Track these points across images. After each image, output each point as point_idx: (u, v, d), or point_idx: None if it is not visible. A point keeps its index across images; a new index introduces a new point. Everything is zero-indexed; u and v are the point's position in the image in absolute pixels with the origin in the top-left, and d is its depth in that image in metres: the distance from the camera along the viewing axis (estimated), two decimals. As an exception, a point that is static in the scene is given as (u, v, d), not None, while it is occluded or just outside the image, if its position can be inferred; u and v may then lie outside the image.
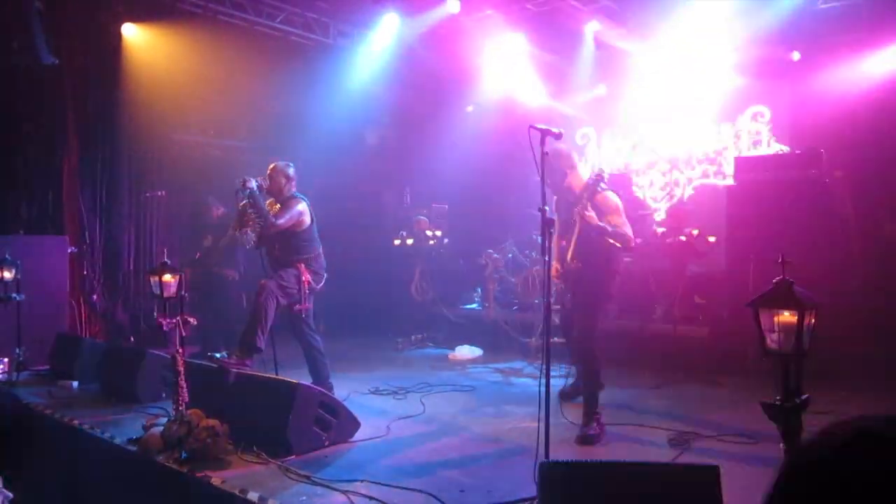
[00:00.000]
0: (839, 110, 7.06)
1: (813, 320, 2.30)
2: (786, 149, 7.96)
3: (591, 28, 8.39)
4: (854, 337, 5.84)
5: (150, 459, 4.07)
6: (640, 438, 4.64)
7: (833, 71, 7.27)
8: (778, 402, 2.26)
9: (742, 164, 7.24)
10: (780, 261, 2.37)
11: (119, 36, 7.60)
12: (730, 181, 7.83)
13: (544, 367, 3.59)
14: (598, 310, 4.97)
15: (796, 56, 7.72)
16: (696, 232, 7.06)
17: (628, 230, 4.74)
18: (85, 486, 4.60)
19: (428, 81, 9.88)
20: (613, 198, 4.80)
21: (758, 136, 8.49)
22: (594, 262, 4.72)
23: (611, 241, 4.66)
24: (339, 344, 7.72)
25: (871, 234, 6.97)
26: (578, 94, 9.44)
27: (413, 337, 8.56)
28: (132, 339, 7.66)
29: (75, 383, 5.98)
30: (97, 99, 7.58)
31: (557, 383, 5.21)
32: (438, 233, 8.94)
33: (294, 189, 5.66)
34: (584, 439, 4.46)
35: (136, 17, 7.62)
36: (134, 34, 7.70)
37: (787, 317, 2.28)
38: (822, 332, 2.41)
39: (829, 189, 6.70)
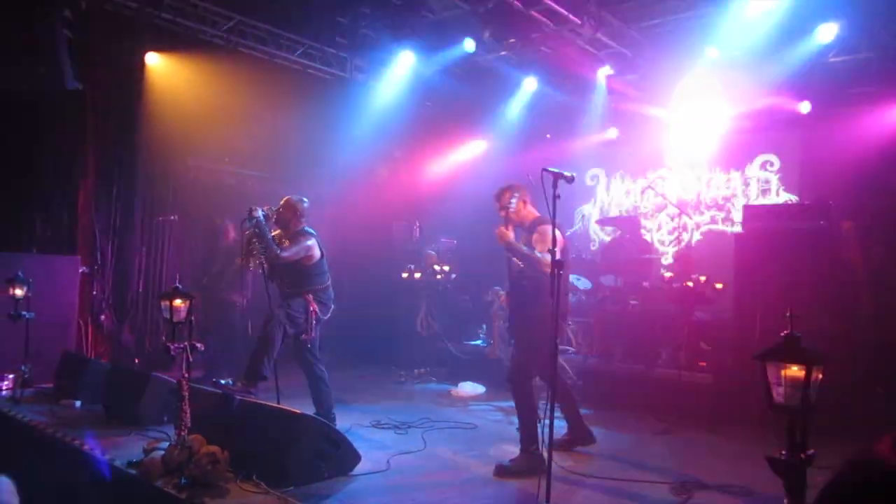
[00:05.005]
0: (848, 162, 7.11)
1: (820, 375, 2.29)
2: (794, 198, 8.01)
3: (604, 72, 8.53)
4: (863, 388, 5.80)
5: (150, 484, 4.05)
6: (643, 484, 4.59)
7: (842, 123, 7.35)
8: (783, 457, 2.25)
9: (750, 211, 7.26)
10: (787, 314, 2.38)
11: (142, 64, 7.76)
12: (738, 228, 7.87)
13: (548, 407, 3.59)
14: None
15: (806, 107, 7.82)
16: (703, 278, 7.06)
17: (541, 256, 4.51)
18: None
19: (441, 118, 10.02)
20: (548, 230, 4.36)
21: (767, 185, 8.54)
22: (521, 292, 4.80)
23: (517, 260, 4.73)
24: (343, 374, 7.70)
25: (878, 285, 6.96)
26: (590, 135, 9.54)
27: (416, 371, 8.53)
28: (137, 361, 7.66)
29: (78, 403, 5.97)
30: (117, 123, 7.70)
31: (561, 424, 5.17)
32: (446, 268, 8.97)
33: (304, 224, 5.72)
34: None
35: (160, 47, 7.79)
36: (157, 62, 7.86)
37: (795, 371, 2.28)
38: (828, 384, 2.41)
39: (838, 240, 6.71)
